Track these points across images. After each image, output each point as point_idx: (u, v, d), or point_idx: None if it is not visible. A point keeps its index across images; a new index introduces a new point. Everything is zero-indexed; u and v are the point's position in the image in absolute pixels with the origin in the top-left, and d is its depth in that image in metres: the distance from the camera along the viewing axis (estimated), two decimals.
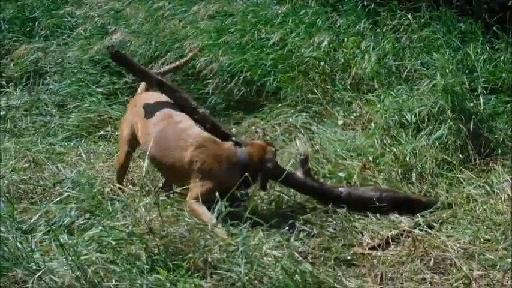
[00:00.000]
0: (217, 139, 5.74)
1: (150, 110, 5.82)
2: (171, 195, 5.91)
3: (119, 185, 5.84)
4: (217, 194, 5.19)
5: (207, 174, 5.54)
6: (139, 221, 4.86)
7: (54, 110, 7.66)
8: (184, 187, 5.56)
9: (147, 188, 5.84)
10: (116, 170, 6.08)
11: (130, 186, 6.11)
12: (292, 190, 6.03)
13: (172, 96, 5.92)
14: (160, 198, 5.11)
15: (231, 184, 5.45)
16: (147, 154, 5.55)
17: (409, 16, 8.25)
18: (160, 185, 6.09)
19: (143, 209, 4.95)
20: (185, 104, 5.92)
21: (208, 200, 5.38)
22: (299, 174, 5.92)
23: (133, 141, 5.91)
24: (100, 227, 4.84)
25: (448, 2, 8.41)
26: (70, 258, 4.28)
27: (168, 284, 4.40)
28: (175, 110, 5.89)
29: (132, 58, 6.53)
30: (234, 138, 5.78)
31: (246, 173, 5.52)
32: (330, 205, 5.88)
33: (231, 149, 5.66)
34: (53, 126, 7.40)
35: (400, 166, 6.41)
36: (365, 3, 8.74)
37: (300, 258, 4.94)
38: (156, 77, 5.99)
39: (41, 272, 4.09)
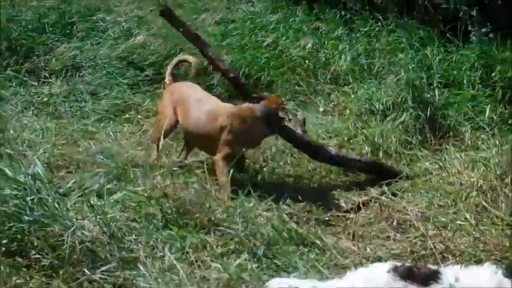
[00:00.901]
0: (237, 106, 5.76)
1: (185, 96, 5.81)
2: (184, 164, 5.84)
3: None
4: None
5: (236, 134, 5.48)
6: (155, 187, 4.82)
7: (87, 97, 7.55)
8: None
9: (162, 160, 5.72)
10: (154, 138, 5.91)
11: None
12: (282, 163, 5.99)
13: (204, 48, 6.10)
14: (173, 168, 5.03)
15: (259, 136, 5.57)
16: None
17: (379, 24, 8.19)
18: (174, 158, 5.99)
19: (159, 177, 4.89)
20: (214, 56, 6.08)
21: (235, 155, 5.41)
22: (299, 131, 5.86)
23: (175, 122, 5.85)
24: (124, 191, 4.79)
25: (410, 13, 8.35)
26: (98, 216, 4.21)
27: (178, 239, 4.34)
28: (204, 94, 5.95)
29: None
30: (254, 95, 5.84)
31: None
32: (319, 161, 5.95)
33: (250, 108, 5.61)
34: (86, 110, 7.30)
35: (370, 145, 6.35)
36: (342, 13, 8.69)
37: (287, 219, 4.93)
38: (194, 32, 6.15)
39: (74, 228, 4.01)
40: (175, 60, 6.42)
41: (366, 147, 6.34)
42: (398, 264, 3.22)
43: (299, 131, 5.85)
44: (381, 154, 6.27)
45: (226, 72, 6.25)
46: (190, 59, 6.39)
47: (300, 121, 5.89)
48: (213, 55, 6.19)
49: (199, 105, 5.70)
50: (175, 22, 6.33)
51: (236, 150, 5.46)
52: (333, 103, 7.32)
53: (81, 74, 8.00)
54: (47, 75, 8.08)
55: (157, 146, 5.71)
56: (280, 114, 5.59)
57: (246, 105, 5.73)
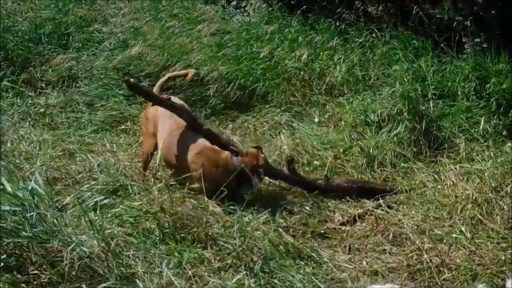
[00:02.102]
0: (217, 148, 5.68)
1: (163, 116, 5.79)
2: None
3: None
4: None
5: (205, 176, 5.43)
6: (153, 201, 4.82)
7: (84, 108, 7.58)
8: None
9: (159, 174, 5.72)
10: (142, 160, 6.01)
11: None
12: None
13: (183, 115, 5.77)
14: (170, 183, 5.04)
15: (221, 183, 5.39)
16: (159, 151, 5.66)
17: (373, 35, 8.20)
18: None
19: (156, 192, 4.90)
20: (193, 122, 5.80)
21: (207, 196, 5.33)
22: (285, 171, 5.85)
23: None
24: (121, 206, 4.80)
25: (405, 24, 8.36)
26: (96, 232, 4.22)
27: (176, 253, 4.36)
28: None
29: (146, 88, 6.23)
30: (232, 148, 5.65)
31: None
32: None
33: (227, 157, 5.56)
34: (83, 121, 7.33)
35: (365, 157, 6.37)
36: (337, 23, 8.68)
37: (284, 232, 4.94)
38: (168, 101, 5.78)
39: (73, 245, 4.02)
40: (161, 81, 6.38)
41: (361, 159, 6.36)
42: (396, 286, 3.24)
43: (286, 169, 5.86)
44: (376, 166, 6.29)
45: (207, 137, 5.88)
46: (182, 72, 6.56)
47: (288, 160, 5.84)
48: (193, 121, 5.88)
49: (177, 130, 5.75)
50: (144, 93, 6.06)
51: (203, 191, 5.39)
52: (328, 114, 7.30)
53: (78, 84, 8.03)
54: (44, 85, 8.11)
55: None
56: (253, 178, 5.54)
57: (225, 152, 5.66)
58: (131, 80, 5.80)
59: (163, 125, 5.77)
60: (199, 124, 5.84)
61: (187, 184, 5.42)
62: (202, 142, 5.69)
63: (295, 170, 5.90)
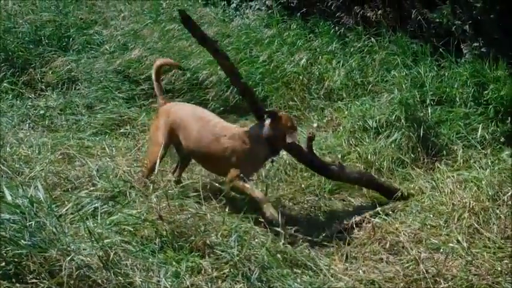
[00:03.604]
0: (240, 127, 5.67)
1: (184, 117, 5.72)
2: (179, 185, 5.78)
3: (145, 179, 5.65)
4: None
5: (240, 157, 5.43)
6: (151, 209, 4.82)
7: (83, 111, 7.57)
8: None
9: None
10: (146, 168, 5.73)
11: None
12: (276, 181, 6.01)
13: (218, 57, 5.72)
14: (169, 191, 5.03)
15: (262, 157, 5.52)
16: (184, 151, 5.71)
17: (372, 39, 8.21)
18: (170, 177, 5.98)
19: (155, 199, 4.90)
20: (230, 67, 5.75)
21: (245, 176, 5.39)
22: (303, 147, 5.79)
23: (168, 145, 5.77)
24: (119, 214, 4.79)
25: (404, 27, 8.38)
26: (95, 241, 4.22)
27: (173, 262, 4.35)
28: (203, 111, 5.90)
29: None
30: (266, 110, 5.66)
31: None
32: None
33: (254, 130, 5.54)
34: (82, 123, 7.32)
35: (363, 162, 6.41)
36: (336, 28, 8.71)
37: (281, 241, 4.92)
38: (213, 42, 5.77)
39: (72, 254, 4.02)
40: (154, 69, 6.11)
41: (359, 165, 6.37)
42: None
43: (304, 146, 5.78)
44: (373, 172, 6.30)
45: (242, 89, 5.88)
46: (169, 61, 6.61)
47: (308, 137, 5.76)
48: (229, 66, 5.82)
49: (202, 125, 5.67)
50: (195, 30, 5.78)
51: (244, 172, 5.42)
52: (326, 119, 7.33)
53: (77, 87, 8.03)
54: (43, 87, 8.10)
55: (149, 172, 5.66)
56: (288, 137, 5.47)
57: (250, 127, 5.66)
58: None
59: (190, 127, 5.68)
60: (238, 76, 5.80)
61: (228, 177, 5.44)
62: (227, 126, 5.66)
63: (312, 149, 5.85)
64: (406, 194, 5.86)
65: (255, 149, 5.46)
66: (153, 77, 6.07)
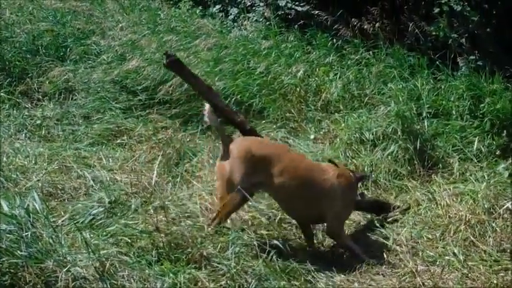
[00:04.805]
0: (339, 165, 5.42)
1: (270, 154, 5.19)
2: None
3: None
4: None
5: (346, 200, 5.24)
6: (148, 221, 4.82)
7: (80, 121, 7.56)
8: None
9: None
10: (222, 215, 5.11)
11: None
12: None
13: (215, 101, 5.51)
14: (166, 203, 5.04)
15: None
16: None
17: (369, 52, 8.23)
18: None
19: (152, 211, 4.90)
20: (227, 110, 5.69)
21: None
22: None
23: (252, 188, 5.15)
24: (116, 225, 4.79)
25: (401, 41, 8.41)
26: (91, 252, 4.21)
27: (170, 274, 4.35)
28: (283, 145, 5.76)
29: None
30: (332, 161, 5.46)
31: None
32: None
33: (350, 173, 5.36)
34: (79, 134, 7.30)
35: None
36: (334, 40, 8.72)
37: (278, 252, 4.92)
38: (204, 84, 5.68)
39: (69, 266, 4.01)
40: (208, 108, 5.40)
41: None
42: None
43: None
44: (370, 184, 6.30)
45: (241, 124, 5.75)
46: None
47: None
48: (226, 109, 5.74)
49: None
50: (184, 73, 5.72)
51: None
52: (323, 131, 7.31)
53: (75, 97, 8.02)
54: (40, 97, 8.09)
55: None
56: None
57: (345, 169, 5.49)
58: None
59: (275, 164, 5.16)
60: (235, 111, 5.85)
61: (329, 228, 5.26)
62: (326, 165, 5.37)
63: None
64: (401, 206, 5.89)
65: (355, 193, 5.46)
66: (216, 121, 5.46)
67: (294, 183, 5.10)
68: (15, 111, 7.72)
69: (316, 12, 9.13)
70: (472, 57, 7.98)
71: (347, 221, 5.56)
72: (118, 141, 7.21)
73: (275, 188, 5.13)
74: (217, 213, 5.06)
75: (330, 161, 5.49)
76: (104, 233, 4.69)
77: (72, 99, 8.01)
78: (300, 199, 5.14)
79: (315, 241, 5.41)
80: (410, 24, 8.44)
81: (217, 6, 10.45)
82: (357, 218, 5.82)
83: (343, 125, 7.12)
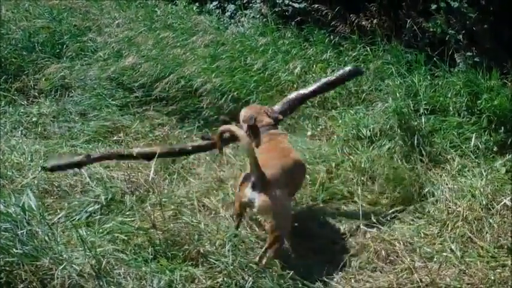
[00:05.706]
0: None
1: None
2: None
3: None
4: None
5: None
6: (145, 218, 4.81)
7: (77, 118, 7.53)
8: None
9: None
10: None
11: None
12: None
13: None
14: (163, 200, 5.02)
15: None
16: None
17: (367, 48, 8.21)
18: None
19: (149, 208, 4.89)
20: None
21: None
22: None
23: None
24: (113, 222, 4.78)
25: (398, 38, 8.39)
26: (87, 249, 4.21)
27: (167, 271, 4.34)
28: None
29: None
30: None
31: None
32: None
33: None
34: (75, 131, 7.26)
35: (357, 171, 6.35)
36: (331, 36, 8.70)
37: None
38: None
39: (65, 264, 4.00)
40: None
41: (353, 173, 6.34)
42: None
43: None
44: (367, 180, 6.29)
45: None
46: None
47: None
48: None
49: None
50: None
51: None
52: (320, 127, 7.29)
53: (71, 94, 7.97)
54: (36, 94, 8.06)
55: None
56: None
57: None
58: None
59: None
60: None
61: None
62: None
63: None
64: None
65: None
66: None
67: None
68: (11, 109, 7.68)
69: (317, 6, 9.07)
70: (469, 53, 7.97)
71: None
72: (114, 138, 7.19)
73: None
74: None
75: None
76: (100, 230, 4.68)
77: (68, 96, 7.97)
78: None
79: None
80: (408, 21, 8.41)
81: (214, 3, 10.41)
82: (354, 214, 5.81)
83: (340, 121, 7.11)
